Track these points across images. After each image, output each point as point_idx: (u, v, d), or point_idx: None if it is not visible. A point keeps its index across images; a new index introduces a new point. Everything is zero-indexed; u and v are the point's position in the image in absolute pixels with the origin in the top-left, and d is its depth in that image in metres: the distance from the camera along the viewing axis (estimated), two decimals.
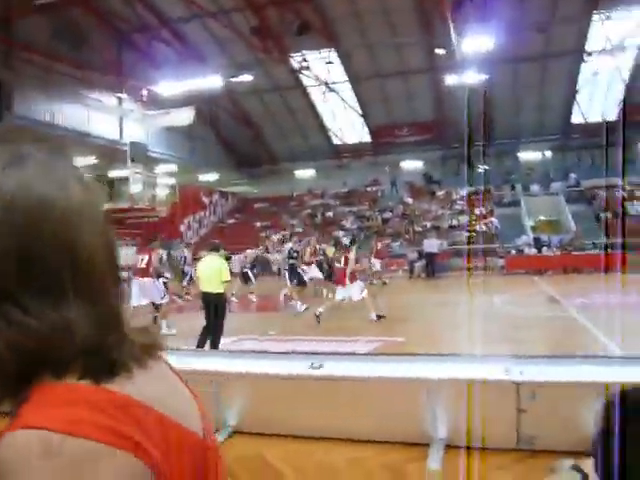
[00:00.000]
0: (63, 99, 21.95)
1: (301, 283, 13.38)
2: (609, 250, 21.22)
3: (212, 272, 7.50)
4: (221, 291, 7.45)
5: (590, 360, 4.64)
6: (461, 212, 27.72)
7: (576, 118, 30.43)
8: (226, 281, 7.49)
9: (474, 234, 25.23)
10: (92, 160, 27.04)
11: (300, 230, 28.23)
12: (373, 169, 33.43)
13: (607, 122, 29.69)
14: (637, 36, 25.40)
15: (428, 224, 25.49)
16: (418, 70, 28.01)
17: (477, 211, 27.53)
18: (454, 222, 26.58)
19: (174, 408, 0.70)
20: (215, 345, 7.48)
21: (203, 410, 0.79)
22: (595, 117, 30.04)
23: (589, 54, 26.69)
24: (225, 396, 4.83)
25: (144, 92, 25.13)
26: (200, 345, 7.51)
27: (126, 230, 27.35)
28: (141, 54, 26.36)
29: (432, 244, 20.20)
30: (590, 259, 20.94)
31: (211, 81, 24.98)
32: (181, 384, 0.78)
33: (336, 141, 33.72)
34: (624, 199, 26.37)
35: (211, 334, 7.48)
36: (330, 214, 30.31)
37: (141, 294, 10.05)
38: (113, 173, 26.98)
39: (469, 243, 24.34)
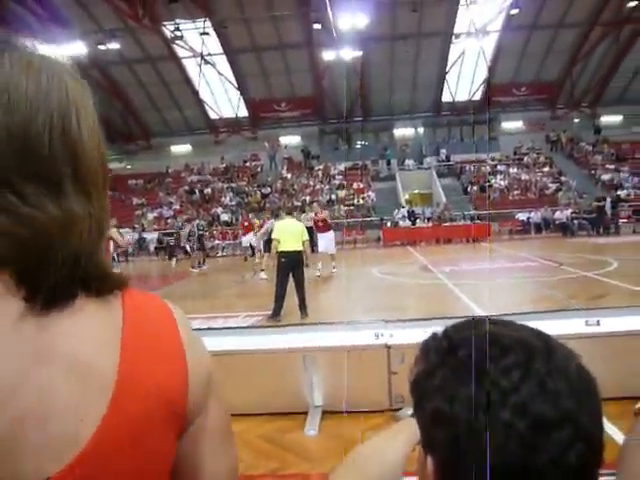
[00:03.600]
0: None
1: None
2: (476, 221, 22.75)
3: None
4: None
5: (450, 320, 4.86)
6: (339, 186, 28.24)
7: (446, 96, 32.02)
8: None
9: (352, 208, 25.88)
10: None
11: (178, 207, 27.39)
12: (251, 144, 33.08)
13: (473, 101, 31.62)
14: (498, 21, 27.14)
15: (307, 199, 25.70)
16: (296, 45, 27.91)
17: (355, 185, 28.23)
18: (332, 196, 27.04)
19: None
20: None
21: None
22: (463, 96, 31.83)
23: (457, 36, 28.10)
24: None
25: None
26: None
27: None
28: None
29: (309, 218, 20.31)
30: (459, 230, 22.31)
31: (74, 48, 23.26)
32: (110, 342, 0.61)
33: (213, 115, 32.88)
34: (489, 173, 28.32)
35: None
36: (208, 190, 29.62)
37: None
38: None
39: (347, 217, 24.95)
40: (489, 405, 0.56)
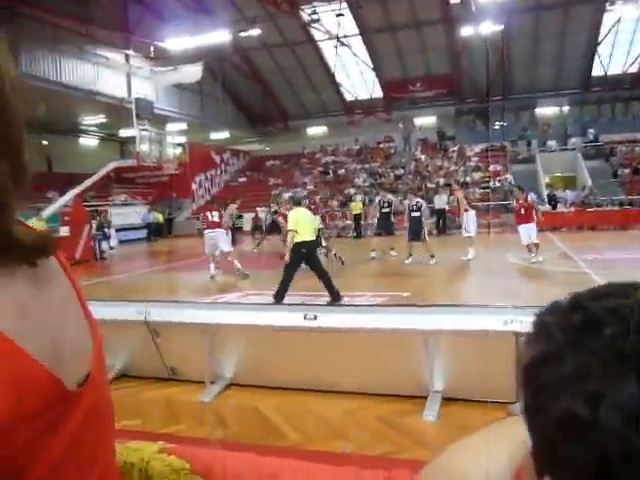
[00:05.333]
0: (70, 56, 21.68)
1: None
2: (625, 207, 20.81)
3: None
4: None
5: None
6: (475, 169, 27.19)
7: (596, 70, 29.42)
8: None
9: (488, 191, 24.80)
10: (101, 119, 26.91)
11: (312, 188, 27.99)
12: (386, 125, 32.83)
13: (629, 74, 28.76)
14: None
15: (441, 181, 25.05)
16: (432, 21, 27.12)
17: (491, 168, 26.99)
18: (467, 179, 26.10)
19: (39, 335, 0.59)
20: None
21: (99, 345, 0.70)
22: (616, 69, 29.06)
23: (612, 2, 25.58)
24: (220, 348, 4.77)
25: (151, 48, 24.73)
26: None
27: (137, 189, 27.46)
28: (147, 9, 25.79)
29: (442, 200, 19.77)
30: (605, 216, 20.53)
31: (219, 36, 24.48)
32: (70, 305, 0.68)
33: (348, 97, 33.13)
34: None
35: None
36: (342, 171, 29.95)
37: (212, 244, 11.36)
38: (124, 132, 26.84)
39: (483, 200, 23.97)
40: None
